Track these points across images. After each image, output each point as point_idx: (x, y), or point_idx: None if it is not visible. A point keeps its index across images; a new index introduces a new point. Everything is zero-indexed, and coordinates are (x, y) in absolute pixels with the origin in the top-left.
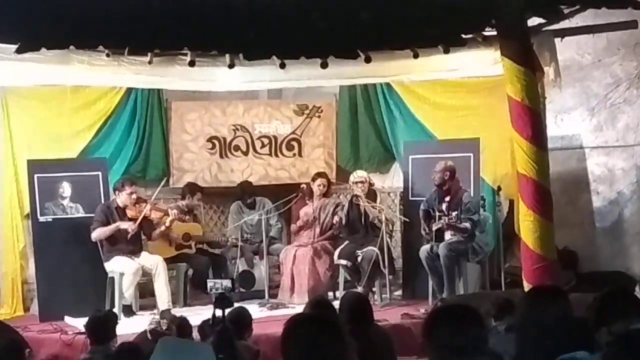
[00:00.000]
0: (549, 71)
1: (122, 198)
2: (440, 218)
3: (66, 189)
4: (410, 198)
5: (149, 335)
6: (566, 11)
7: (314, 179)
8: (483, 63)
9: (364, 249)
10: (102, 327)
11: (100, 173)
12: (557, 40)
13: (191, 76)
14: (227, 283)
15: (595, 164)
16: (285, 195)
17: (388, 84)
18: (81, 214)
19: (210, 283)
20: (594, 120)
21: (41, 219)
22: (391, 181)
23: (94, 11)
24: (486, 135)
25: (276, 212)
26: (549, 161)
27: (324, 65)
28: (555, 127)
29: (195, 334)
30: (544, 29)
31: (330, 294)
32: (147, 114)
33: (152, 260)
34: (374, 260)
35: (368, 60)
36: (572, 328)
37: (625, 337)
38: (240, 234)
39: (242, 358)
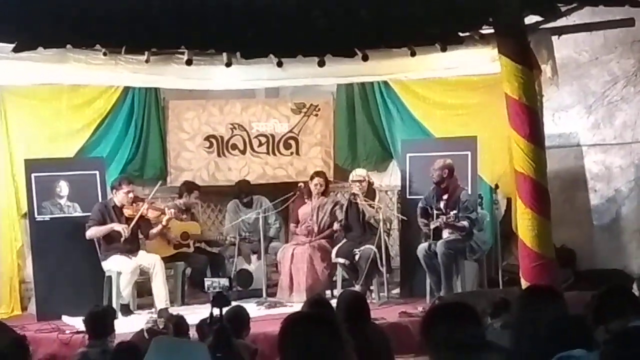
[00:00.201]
0: (546, 69)
1: (119, 197)
2: (438, 216)
3: (64, 188)
4: (408, 196)
5: (145, 334)
6: (563, 9)
7: (312, 178)
8: (480, 61)
9: (362, 248)
10: (99, 321)
11: (97, 172)
12: (554, 38)
13: (188, 75)
14: (224, 282)
15: (593, 162)
16: (282, 194)
17: (385, 82)
18: (79, 213)
19: (207, 282)
20: (592, 118)
21: (38, 218)
22: (389, 179)
23: (91, 10)
24: (483, 134)
25: (274, 211)
26: (547, 159)
27: (322, 64)
28: (553, 125)
29: (193, 333)
30: (541, 26)
31: (328, 292)
32: (145, 113)
33: (150, 259)
34: (372, 259)
35: (365, 58)
36: (569, 326)
37: (623, 334)
38: (237, 232)
39: (240, 357)
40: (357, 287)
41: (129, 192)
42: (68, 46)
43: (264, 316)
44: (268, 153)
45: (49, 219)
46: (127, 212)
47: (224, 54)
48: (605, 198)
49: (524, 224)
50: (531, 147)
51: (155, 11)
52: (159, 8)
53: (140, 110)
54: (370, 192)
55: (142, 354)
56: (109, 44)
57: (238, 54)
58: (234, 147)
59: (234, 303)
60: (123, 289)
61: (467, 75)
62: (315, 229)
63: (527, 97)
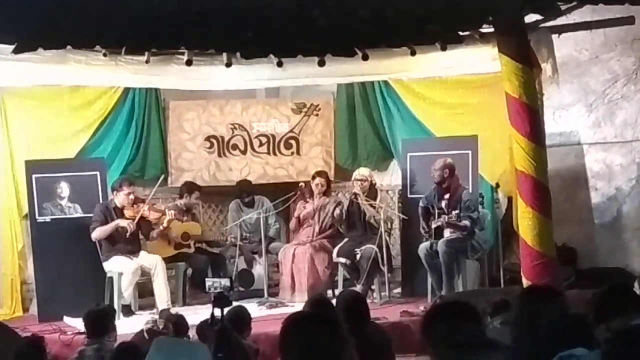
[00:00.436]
0: (546, 68)
1: (119, 198)
2: (439, 216)
3: (64, 189)
4: (409, 195)
5: (145, 334)
6: (563, 8)
7: (313, 178)
8: (480, 60)
9: (363, 247)
10: (96, 320)
11: (98, 173)
12: (554, 36)
13: (188, 75)
14: (225, 282)
15: (594, 160)
16: (283, 194)
17: (386, 82)
18: (79, 214)
19: (209, 282)
20: (592, 116)
21: (39, 219)
22: (389, 179)
23: (90, 11)
24: (484, 133)
25: (275, 211)
26: (547, 158)
27: (322, 64)
28: (553, 124)
29: (192, 333)
30: (542, 25)
31: (330, 292)
32: (145, 114)
33: (151, 260)
34: (373, 258)
35: (365, 58)
36: (570, 325)
37: (625, 333)
38: (239, 232)
39: (241, 357)
40: (359, 287)
41: (129, 193)
42: (68, 47)
43: (265, 316)
44: (269, 153)
45: (49, 220)
46: (127, 213)
47: (224, 54)
48: (606, 196)
49: (525, 222)
50: (532, 145)
51: (155, 11)
52: (159, 8)
53: (140, 110)
54: (372, 192)
55: (142, 354)
56: (109, 44)
57: (238, 54)
58: (235, 147)
59: (235, 303)
60: (124, 290)
61: (468, 74)
62: (317, 228)
63: (527, 95)
